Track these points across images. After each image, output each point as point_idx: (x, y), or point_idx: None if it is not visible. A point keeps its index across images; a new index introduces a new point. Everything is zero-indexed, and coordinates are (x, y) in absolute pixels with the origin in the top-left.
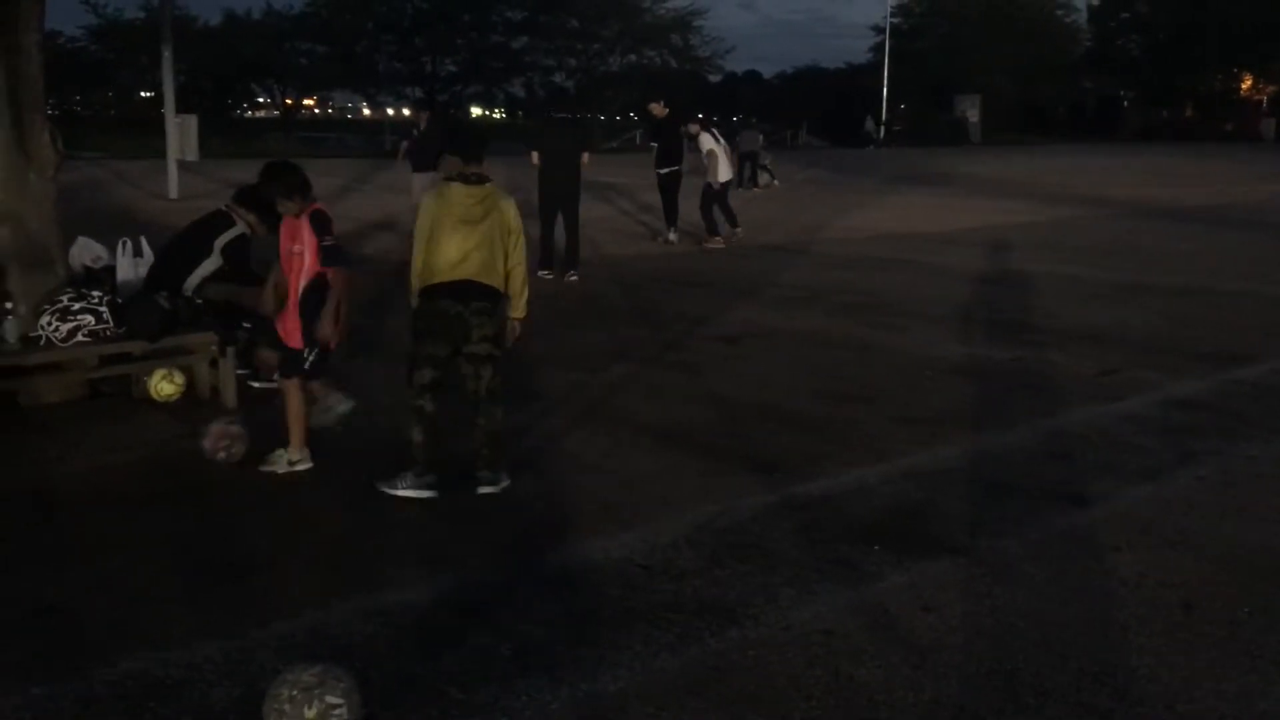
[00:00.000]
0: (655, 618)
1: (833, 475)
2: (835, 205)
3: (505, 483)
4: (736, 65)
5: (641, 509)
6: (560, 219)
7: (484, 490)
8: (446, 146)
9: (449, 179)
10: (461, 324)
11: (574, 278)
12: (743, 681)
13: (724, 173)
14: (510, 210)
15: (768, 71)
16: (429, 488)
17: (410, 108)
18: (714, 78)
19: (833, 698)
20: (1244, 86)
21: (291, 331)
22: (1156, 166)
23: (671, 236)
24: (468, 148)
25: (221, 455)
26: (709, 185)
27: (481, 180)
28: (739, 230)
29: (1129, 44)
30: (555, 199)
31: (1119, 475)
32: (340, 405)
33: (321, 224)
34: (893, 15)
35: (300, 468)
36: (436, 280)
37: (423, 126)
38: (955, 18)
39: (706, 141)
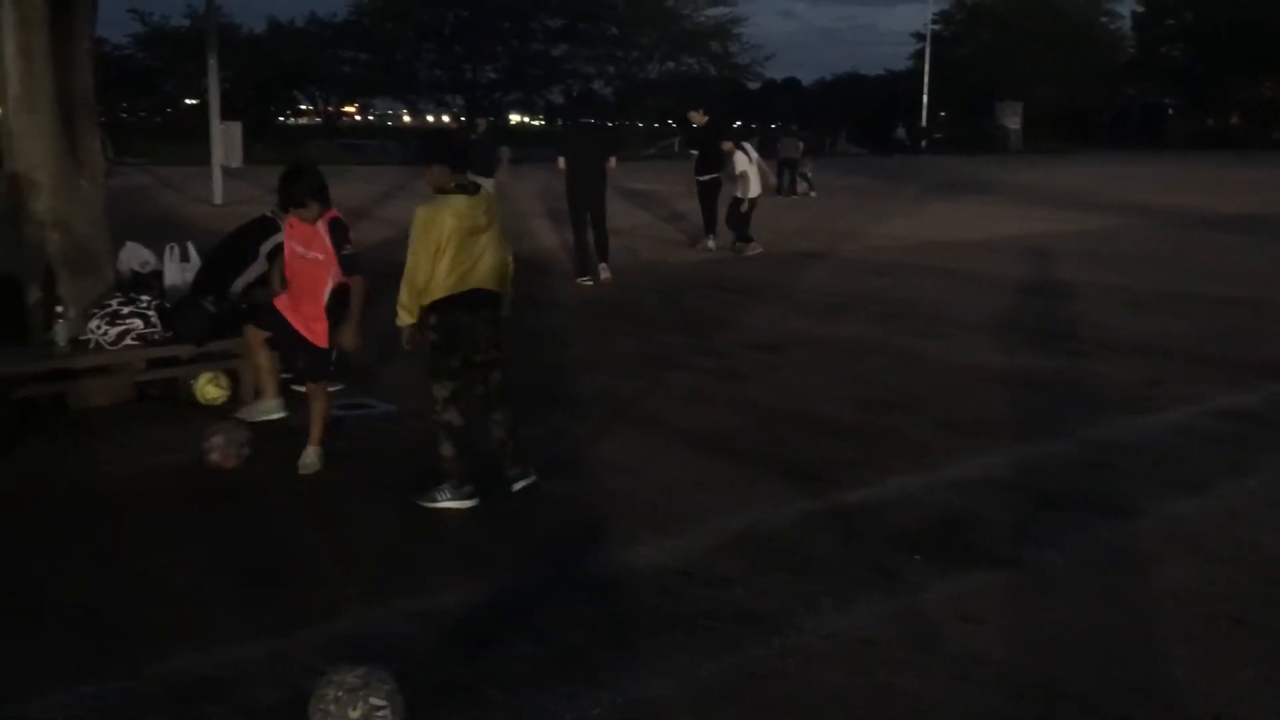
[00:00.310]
0: (695, 625)
1: (874, 484)
2: (875, 212)
3: (534, 476)
4: (776, 72)
5: (681, 515)
6: (590, 222)
7: (519, 485)
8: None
9: (444, 190)
10: (474, 334)
11: (606, 274)
12: (782, 690)
13: (754, 189)
14: (499, 211)
15: (807, 79)
16: (468, 498)
17: (466, 114)
18: (753, 85)
19: (873, 707)
20: None
21: (319, 333)
22: (1202, 175)
23: (710, 244)
24: (456, 157)
25: (233, 463)
26: (737, 199)
27: (477, 188)
28: (746, 247)
29: (1174, 51)
30: (582, 203)
31: (1165, 487)
32: (273, 411)
33: (339, 233)
34: (934, 22)
35: (314, 469)
36: (451, 292)
37: (480, 131)
38: (997, 25)
39: (740, 162)
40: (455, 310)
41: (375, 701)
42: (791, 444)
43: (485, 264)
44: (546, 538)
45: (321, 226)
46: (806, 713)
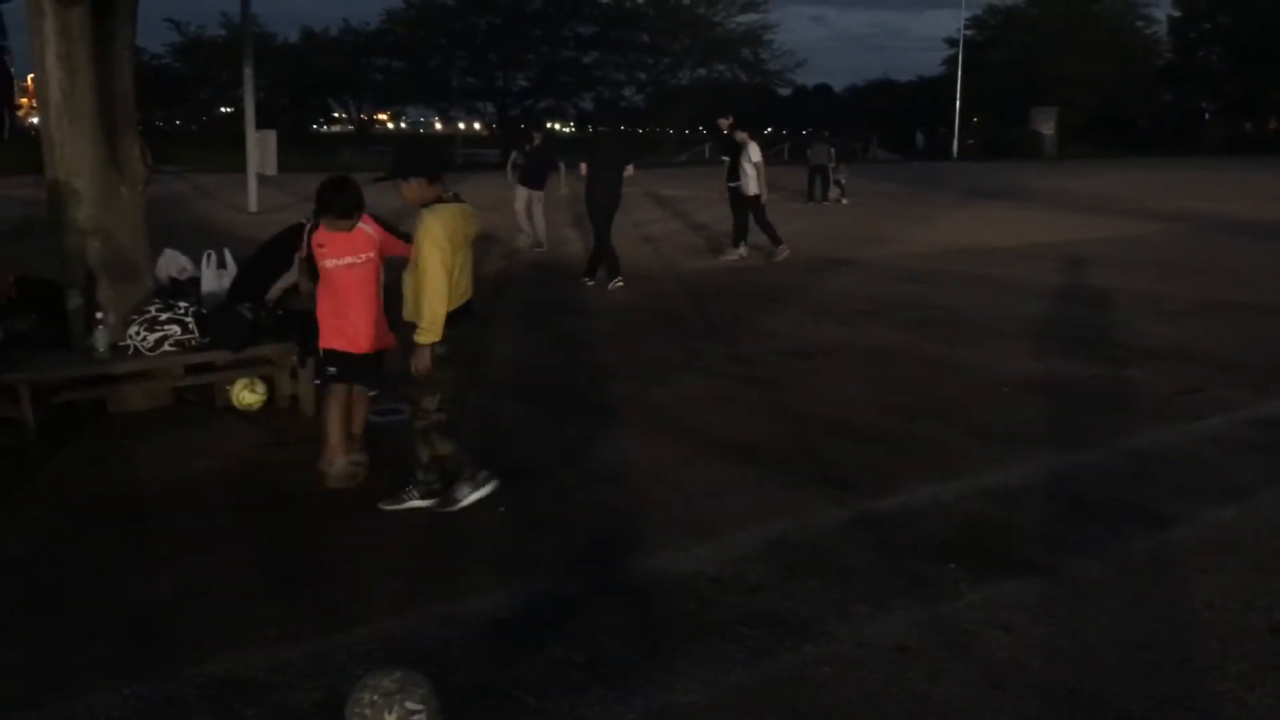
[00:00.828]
0: (728, 631)
1: (907, 491)
2: (907, 219)
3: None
4: (807, 79)
5: (713, 522)
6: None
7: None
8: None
9: (438, 203)
10: (469, 345)
11: (590, 283)
12: (816, 697)
13: (752, 187)
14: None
15: (838, 85)
16: (488, 481)
17: (505, 123)
18: (784, 91)
19: (907, 715)
20: None
21: (387, 336)
22: (1240, 181)
23: (743, 251)
24: (435, 167)
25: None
26: (758, 199)
27: (458, 198)
28: (779, 250)
29: (1211, 55)
30: (596, 206)
31: (1202, 496)
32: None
33: (387, 224)
34: (967, 27)
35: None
36: (456, 305)
37: (536, 143)
38: (1031, 30)
39: (755, 153)
40: (463, 323)
41: (411, 706)
42: (824, 451)
43: (469, 273)
44: (580, 543)
45: (366, 228)
46: None
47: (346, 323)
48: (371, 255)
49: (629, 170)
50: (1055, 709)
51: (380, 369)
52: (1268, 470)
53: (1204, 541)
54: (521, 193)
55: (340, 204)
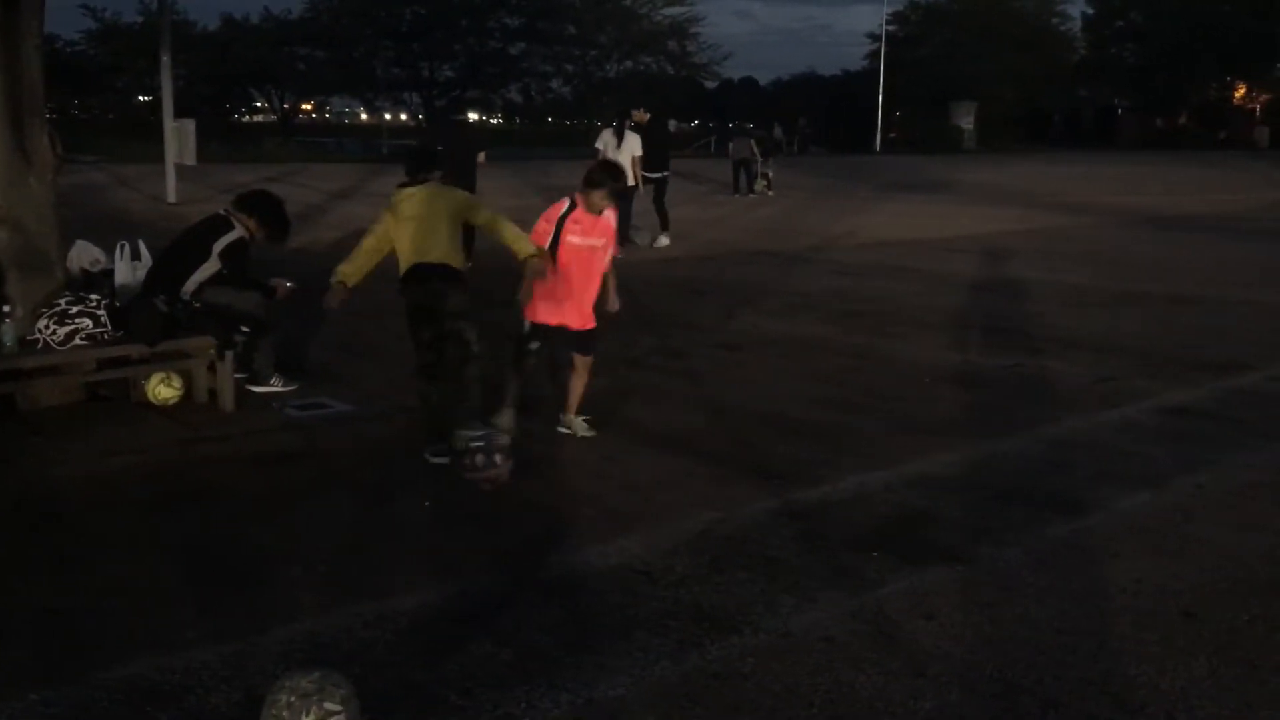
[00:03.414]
0: (655, 625)
1: (834, 482)
2: (832, 212)
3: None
4: (733, 72)
5: (643, 515)
6: None
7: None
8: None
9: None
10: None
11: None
12: (742, 689)
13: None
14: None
15: (764, 78)
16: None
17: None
18: (710, 84)
19: (832, 706)
20: (1238, 95)
21: (591, 315)
22: (1152, 175)
23: (665, 240)
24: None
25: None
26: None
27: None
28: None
29: (1124, 53)
30: None
31: (1118, 483)
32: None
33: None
34: (889, 23)
35: (588, 434)
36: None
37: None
38: (951, 25)
39: (634, 147)
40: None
41: (330, 706)
42: (752, 443)
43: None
44: (508, 538)
45: (608, 216)
46: (766, 712)
47: (569, 300)
48: (602, 243)
49: (481, 157)
50: (976, 695)
51: (593, 336)
52: (1179, 457)
53: (1119, 528)
54: None
55: (615, 187)
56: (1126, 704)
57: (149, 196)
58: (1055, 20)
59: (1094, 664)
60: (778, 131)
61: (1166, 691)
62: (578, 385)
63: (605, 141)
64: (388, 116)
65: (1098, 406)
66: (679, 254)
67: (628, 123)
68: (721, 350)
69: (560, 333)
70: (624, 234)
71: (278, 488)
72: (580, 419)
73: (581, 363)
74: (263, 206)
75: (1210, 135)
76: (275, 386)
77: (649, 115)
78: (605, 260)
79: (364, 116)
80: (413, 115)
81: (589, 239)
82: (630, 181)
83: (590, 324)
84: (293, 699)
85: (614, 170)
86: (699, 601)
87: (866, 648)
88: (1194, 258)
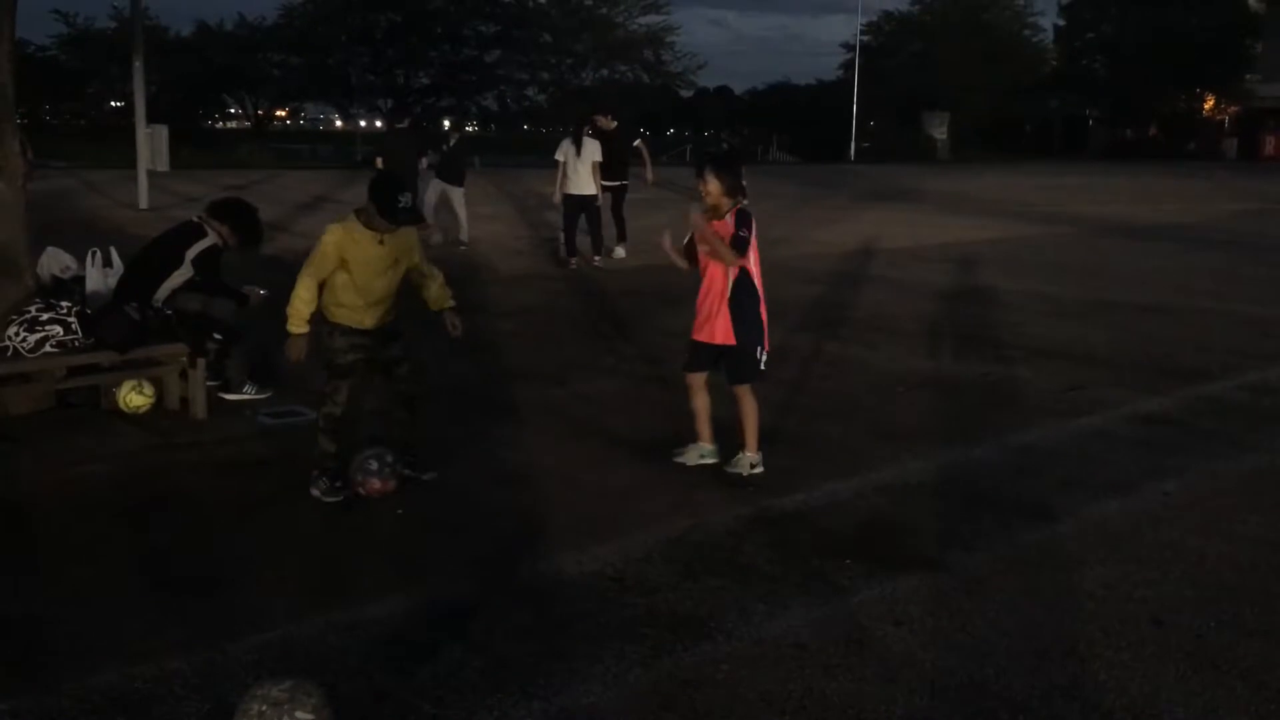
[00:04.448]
0: (628, 632)
1: (806, 490)
2: (805, 220)
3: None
4: (708, 81)
5: (615, 522)
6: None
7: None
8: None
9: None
10: None
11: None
12: (714, 696)
13: (558, 191)
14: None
15: (738, 87)
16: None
17: (426, 122)
18: (686, 93)
19: (804, 712)
20: (1206, 106)
21: (728, 332)
22: (1122, 185)
23: (620, 251)
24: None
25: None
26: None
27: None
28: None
29: (1094, 64)
30: None
31: (1087, 490)
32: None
33: (743, 219)
34: (863, 33)
35: (759, 470)
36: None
37: (452, 144)
38: (925, 36)
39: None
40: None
41: (301, 715)
42: (725, 451)
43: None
44: (481, 546)
45: (730, 219)
46: (738, 718)
47: (701, 313)
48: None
49: (423, 162)
50: (946, 701)
51: (747, 360)
52: (1148, 464)
53: (1088, 534)
54: (436, 186)
55: (725, 182)
56: (1096, 709)
57: (121, 203)
58: (1027, 33)
59: (1062, 670)
60: (724, 139)
61: (1135, 697)
62: (745, 416)
63: (565, 152)
64: (363, 123)
65: (1067, 414)
66: (654, 262)
67: (586, 130)
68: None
69: (701, 349)
70: (597, 246)
71: (250, 495)
72: (745, 458)
73: (738, 392)
74: (236, 214)
75: (1179, 146)
76: (248, 394)
77: (615, 124)
78: (732, 273)
79: (339, 123)
80: (388, 122)
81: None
82: (591, 190)
83: (728, 340)
84: (265, 708)
85: (724, 165)
86: (672, 609)
87: (838, 654)
88: (1162, 267)
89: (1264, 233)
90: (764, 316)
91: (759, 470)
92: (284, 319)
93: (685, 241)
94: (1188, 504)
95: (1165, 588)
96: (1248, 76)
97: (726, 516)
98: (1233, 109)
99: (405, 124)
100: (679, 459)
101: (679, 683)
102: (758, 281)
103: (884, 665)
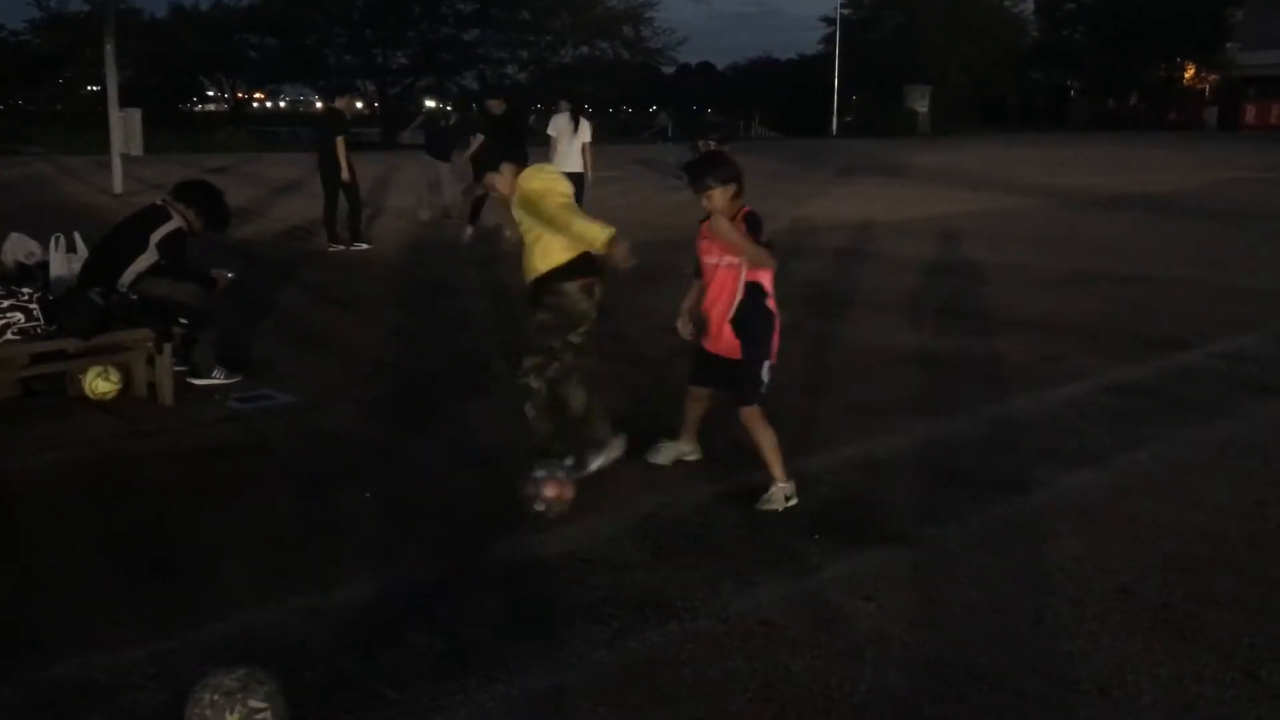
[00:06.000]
0: (596, 613)
1: None
2: (788, 196)
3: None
4: (690, 57)
5: (585, 502)
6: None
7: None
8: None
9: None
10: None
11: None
12: (680, 675)
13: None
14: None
15: (719, 63)
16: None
17: (448, 103)
18: (667, 69)
19: (769, 690)
20: (1187, 76)
21: (733, 345)
22: (1103, 156)
23: (470, 232)
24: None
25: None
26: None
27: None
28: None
29: (1075, 35)
30: (322, 180)
31: (1060, 461)
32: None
33: (753, 224)
34: (843, 7)
35: (794, 501)
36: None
37: (450, 122)
38: (906, 9)
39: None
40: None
41: (254, 704)
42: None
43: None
44: (448, 529)
45: (740, 225)
46: (704, 697)
47: (709, 321)
48: (738, 260)
49: (339, 142)
50: (914, 676)
51: (751, 379)
52: (1121, 435)
53: (1059, 506)
54: (428, 162)
55: (741, 189)
56: (1061, 680)
57: (95, 188)
58: (1008, 4)
59: (1030, 642)
60: (662, 118)
61: (1101, 668)
62: (761, 444)
63: (559, 128)
64: (359, 104)
65: (1043, 385)
66: (635, 240)
67: (585, 107)
68: (668, 333)
69: (708, 358)
70: None
71: (217, 481)
72: (780, 489)
73: (745, 415)
74: (201, 196)
75: (1160, 116)
76: (217, 379)
77: (505, 106)
78: (740, 282)
79: (318, 104)
80: (368, 103)
81: (720, 258)
82: (578, 168)
83: (733, 354)
84: (216, 697)
85: (710, 162)
86: (639, 588)
87: (805, 631)
88: (1140, 237)
89: (1242, 201)
90: (776, 328)
91: (794, 502)
92: (253, 302)
93: (690, 304)
94: (1159, 473)
95: (1134, 558)
96: (1228, 45)
97: (696, 495)
98: (1213, 78)
99: (331, 104)
100: (654, 460)
101: (644, 662)
102: (769, 288)
103: (851, 641)
